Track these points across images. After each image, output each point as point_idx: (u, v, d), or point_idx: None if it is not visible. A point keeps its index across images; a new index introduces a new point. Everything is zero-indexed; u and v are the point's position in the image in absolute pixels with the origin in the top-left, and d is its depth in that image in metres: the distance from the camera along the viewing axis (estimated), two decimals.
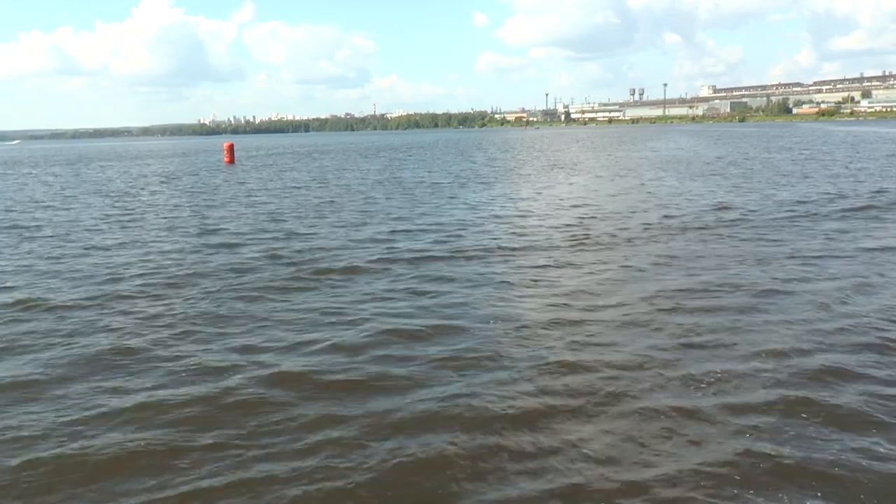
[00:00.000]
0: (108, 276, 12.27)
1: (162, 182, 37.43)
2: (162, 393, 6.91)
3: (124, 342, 8.46)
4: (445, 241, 15.14)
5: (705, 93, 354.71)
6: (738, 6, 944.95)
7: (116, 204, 25.27)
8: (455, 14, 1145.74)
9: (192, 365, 7.65)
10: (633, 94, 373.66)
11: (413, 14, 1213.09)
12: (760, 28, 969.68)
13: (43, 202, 26.63)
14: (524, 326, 8.77)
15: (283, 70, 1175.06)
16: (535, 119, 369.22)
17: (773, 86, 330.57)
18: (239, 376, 7.29)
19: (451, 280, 11.43)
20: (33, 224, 19.98)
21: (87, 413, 6.49)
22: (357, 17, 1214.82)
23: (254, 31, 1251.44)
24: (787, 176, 29.33)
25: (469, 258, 13.35)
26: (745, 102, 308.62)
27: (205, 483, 5.27)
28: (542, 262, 12.74)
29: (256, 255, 14.01)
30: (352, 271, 12.26)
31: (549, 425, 6.13)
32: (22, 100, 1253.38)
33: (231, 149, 64.75)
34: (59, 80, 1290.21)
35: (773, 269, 11.64)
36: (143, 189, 32.48)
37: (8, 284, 11.91)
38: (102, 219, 20.88)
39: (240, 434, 6.06)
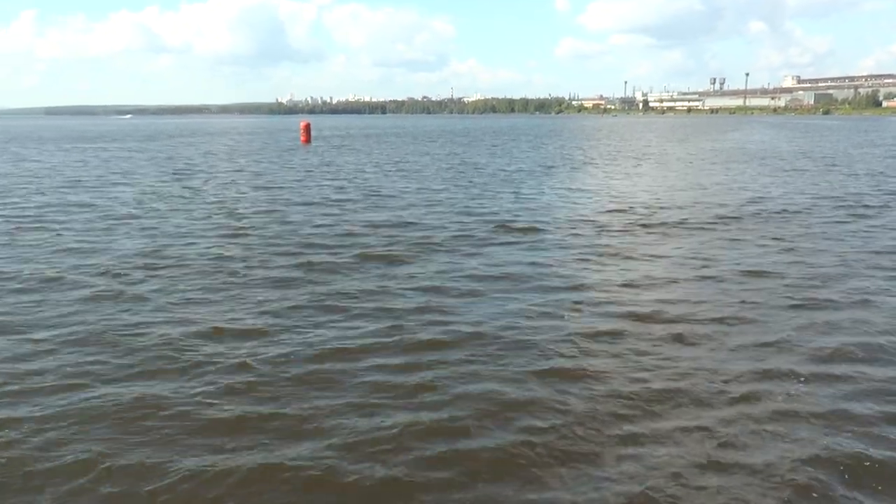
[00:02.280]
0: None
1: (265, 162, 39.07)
2: None
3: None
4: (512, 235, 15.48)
5: (789, 83, 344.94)
6: None
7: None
8: None
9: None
10: (714, 84, 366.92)
11: None
12: (853, 16, 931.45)
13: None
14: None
15: (361, 53, 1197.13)
16: (612, 107, 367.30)
17: (861, 77, 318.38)
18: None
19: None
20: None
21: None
22: (438, 1, 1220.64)
23: (334, 14, 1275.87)
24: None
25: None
26: (831, 94, 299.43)
27: None
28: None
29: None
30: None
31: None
32: (109, 76, 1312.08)
33: (308, 128, 62.10)
34: (145, 58, 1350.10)
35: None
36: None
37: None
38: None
39: None
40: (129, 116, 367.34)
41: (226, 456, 5.76)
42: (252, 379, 7.28)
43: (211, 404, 6.71)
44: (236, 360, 7.76)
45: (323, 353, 8.00)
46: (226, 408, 6.63)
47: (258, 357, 7.86)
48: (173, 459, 5.67)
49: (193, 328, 8.89)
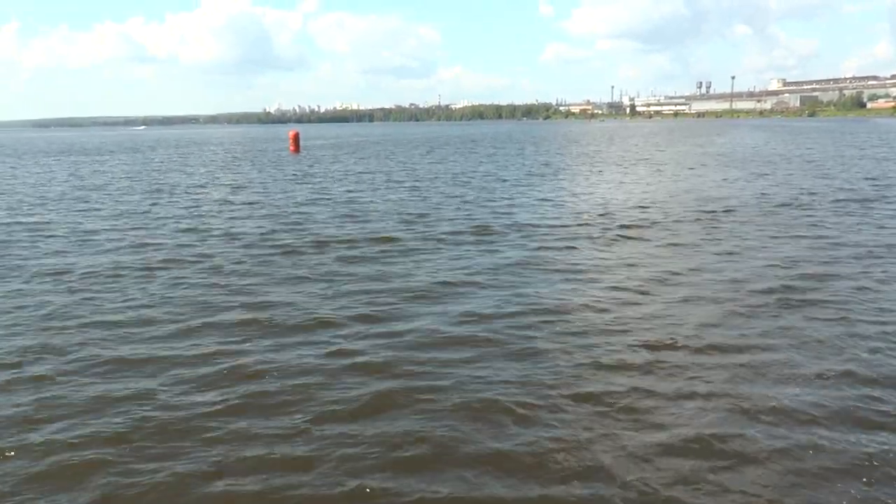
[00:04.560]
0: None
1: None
2: None
3: None
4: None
5: (774, 86, 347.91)
6: None
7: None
8: (521, 4, 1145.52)
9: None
10: (700, 88, 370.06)
11: (478, 4, 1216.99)
12: (835, 19, 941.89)
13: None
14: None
15: (347, 60, 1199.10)
16: (600, 111, 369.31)
17: (846, 79, 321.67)
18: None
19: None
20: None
21: None
22: (422, 8, 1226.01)
23: (319, 22, 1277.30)
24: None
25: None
26: (816, 96, 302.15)
27: None
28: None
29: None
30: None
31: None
32: (95, 88, 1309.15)
33: (296, 138, 61.83)
34: (130, 68, 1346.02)
35: None
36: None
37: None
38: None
39: None
40: (142, 127, 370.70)
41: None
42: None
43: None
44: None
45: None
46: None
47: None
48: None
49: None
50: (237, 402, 6.93)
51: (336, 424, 6.40)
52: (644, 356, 7.95)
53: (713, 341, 8.40)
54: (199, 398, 7.03)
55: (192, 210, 21.71)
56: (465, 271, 12.45)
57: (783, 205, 20.55)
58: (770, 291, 10.56)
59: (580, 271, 12.34)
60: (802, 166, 34.96)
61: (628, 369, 7.59)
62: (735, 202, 21.22)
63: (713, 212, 19.11)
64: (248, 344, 8.64)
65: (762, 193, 23.48)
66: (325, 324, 9.38)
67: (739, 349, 8.12)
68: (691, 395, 6.88)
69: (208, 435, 6.25)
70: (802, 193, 23.23)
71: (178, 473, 5.60)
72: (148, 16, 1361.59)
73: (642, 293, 10.72)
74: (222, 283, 11.78)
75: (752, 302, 10.02)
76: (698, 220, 17.94)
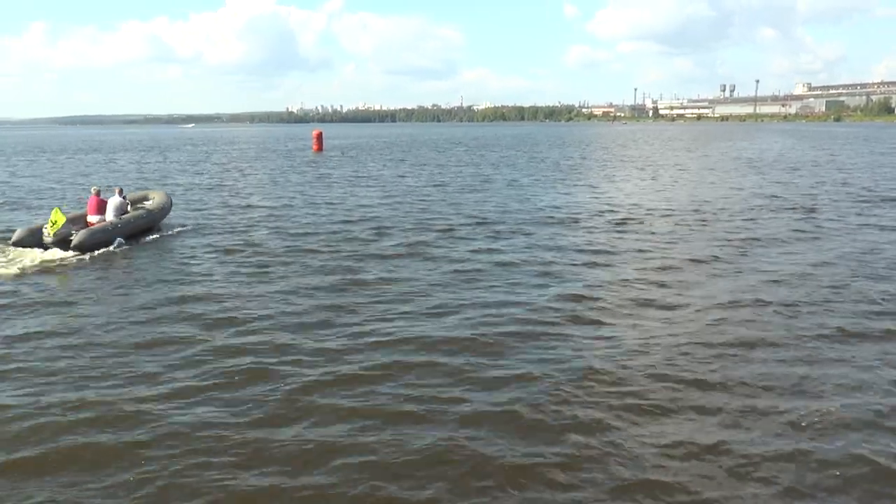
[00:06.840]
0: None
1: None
2: None
3: None
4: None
5: (799, 90, 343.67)
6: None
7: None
8: (546, 5, 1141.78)
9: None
10: (724, 91, 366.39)
11: (502, 6, 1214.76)
12: (864, 23, 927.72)
13: None
14: None
15: (371, 61, 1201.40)
16: (622, 114, 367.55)
17: (874, 84, 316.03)
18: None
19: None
20: None
21: None
22: (446, 9, 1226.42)
23: (343, 22, 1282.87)
24: None
25: None
26: (843, 101, 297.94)
27: None
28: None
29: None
30: None
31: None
32: (120, 86, 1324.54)
33: (319, 137, 63.13)
34: (155, 67, 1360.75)
35: None
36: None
37: None
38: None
39: None
40: (191, 125, 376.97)
41: None
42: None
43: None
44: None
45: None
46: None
47: None
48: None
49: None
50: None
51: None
52: (641, 359, 8.19)
53: (718, 346, 8.67)
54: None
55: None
56: (461, 270, 13.10)
57: (808, 210, 20.55)
58: (782, 298, 10.69)
59: (586, 275, 12.56)
60: (833, 174, 34.72)
61: (621, 375, 7.79)
62: (753, 207, 21.29)
63: (735, 226, 18.15)
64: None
65: (783, 199, 23.49)
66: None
67: (746, 358, 8.30)
68: (696, 406, 7.06)
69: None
70: (827, 200, 23.07)
71: None
72: (172, 14, 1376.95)
73: (648, 298, 10.88)
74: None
75: (763, 311, 10.07)
76: (716, 226, 17.77)
